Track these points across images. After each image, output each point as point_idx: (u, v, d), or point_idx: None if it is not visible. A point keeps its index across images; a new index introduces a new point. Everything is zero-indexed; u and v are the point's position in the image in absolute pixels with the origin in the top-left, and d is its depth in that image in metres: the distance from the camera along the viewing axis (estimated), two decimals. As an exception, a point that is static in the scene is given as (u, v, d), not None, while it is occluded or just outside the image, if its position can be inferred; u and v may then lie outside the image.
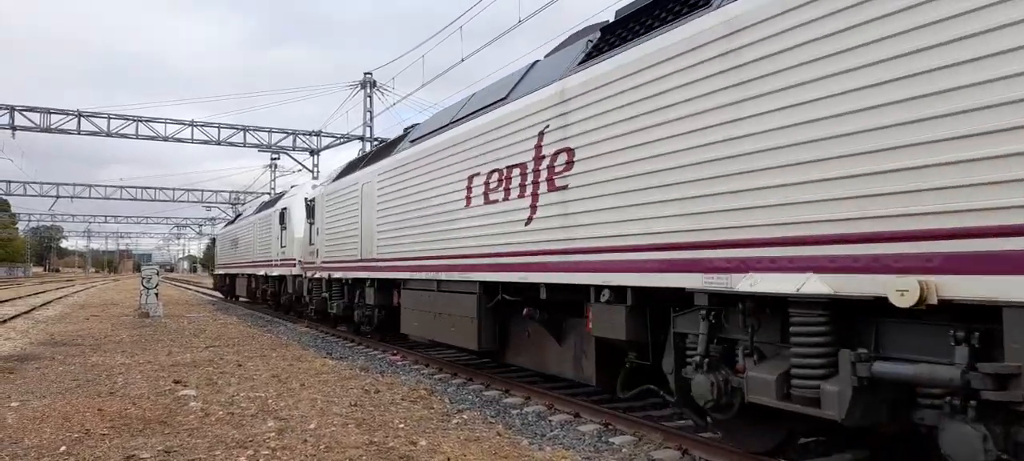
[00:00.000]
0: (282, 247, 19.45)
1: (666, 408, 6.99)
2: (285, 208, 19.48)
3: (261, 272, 22.59)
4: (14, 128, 30.08)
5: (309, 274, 16.00)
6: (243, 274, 26.62)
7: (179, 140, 33.18)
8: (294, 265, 18.09)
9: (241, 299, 28.71)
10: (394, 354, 11.82)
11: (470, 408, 7.49)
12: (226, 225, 35.96)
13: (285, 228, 19.19)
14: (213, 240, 42.71)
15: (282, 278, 19.94)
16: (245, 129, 34.26)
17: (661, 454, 5.69)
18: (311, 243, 15.67)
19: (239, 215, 33.05)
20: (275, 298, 21.43)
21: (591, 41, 6.73)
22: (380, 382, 8.84)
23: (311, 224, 15.75)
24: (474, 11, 19.59)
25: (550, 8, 16.79)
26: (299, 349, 12.49)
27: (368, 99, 32.40)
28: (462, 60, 21.18)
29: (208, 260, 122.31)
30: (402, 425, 6.48)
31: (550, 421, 6.96)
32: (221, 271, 34.11)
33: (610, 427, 6.57)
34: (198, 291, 45.53)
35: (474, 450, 5.62)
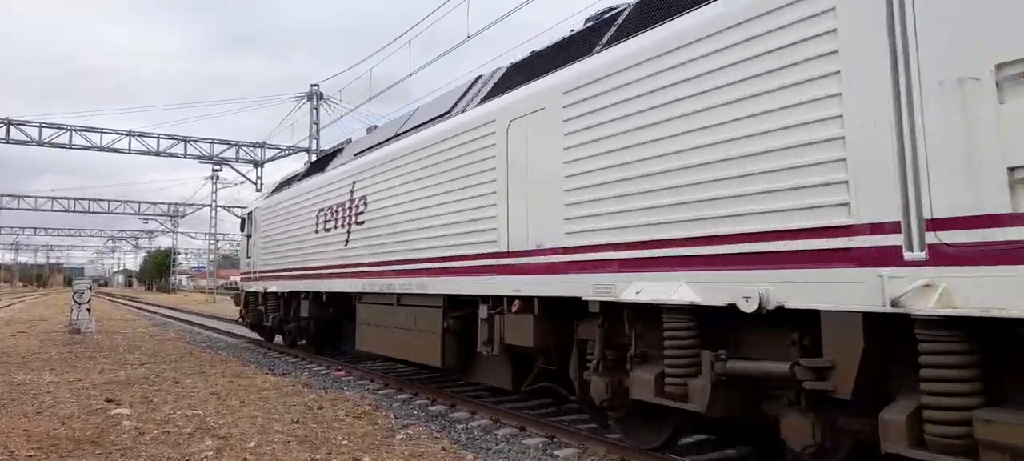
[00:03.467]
0: None
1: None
2: None
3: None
4: (-65, 136, 28.70)
5: None
6: (421, 294, 8.25)
7: (115, 150, 32.13)
8: None
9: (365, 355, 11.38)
10: (338, 370, 11.64)
11: (415, 423, 7.43)
12: (296, 178, 14.15)
13: None
14: (241, 222, 17.08)
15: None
16: (186, 140, 33.42)
17: (605, 466, 5.76)
18: None
19: (356, 143, 12.15)
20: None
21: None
22: (324, 398, 8.70)
23: None
24: (423, 26, 19.62)
25: (498, 25, 16.93)
26: (239, 365, 12.18)
27: (315, 111, 32.08)
28: (410, 75, 21.18)
29: (145, 273, 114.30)
30: (346, 442, 6.39)
31: (495, 435, 6.97)
32: (273, 287, 14.24)
33: (555, 440, 6.61)
34: (135, 307, 43.92)
35: (418, 466, 5.59)
